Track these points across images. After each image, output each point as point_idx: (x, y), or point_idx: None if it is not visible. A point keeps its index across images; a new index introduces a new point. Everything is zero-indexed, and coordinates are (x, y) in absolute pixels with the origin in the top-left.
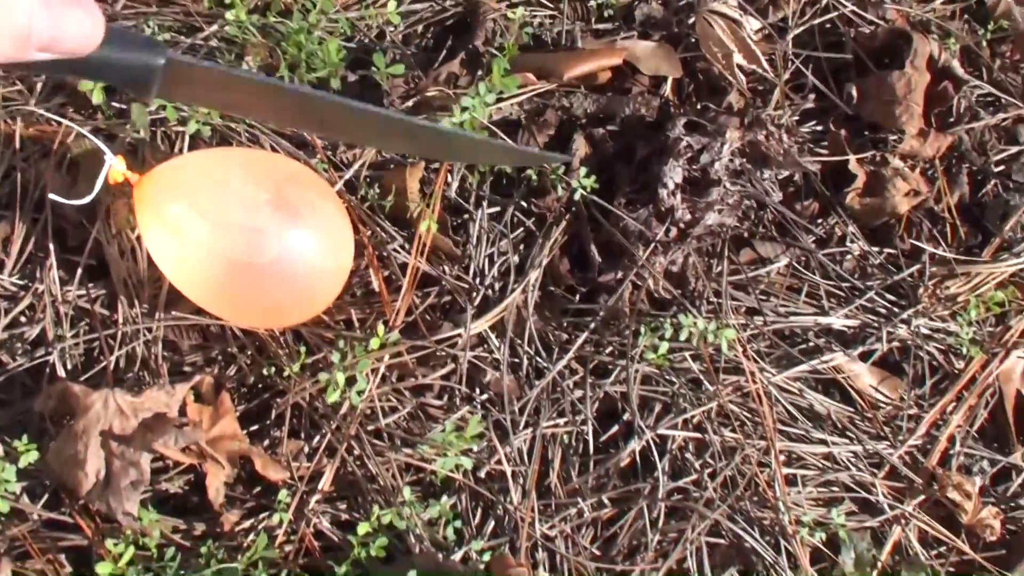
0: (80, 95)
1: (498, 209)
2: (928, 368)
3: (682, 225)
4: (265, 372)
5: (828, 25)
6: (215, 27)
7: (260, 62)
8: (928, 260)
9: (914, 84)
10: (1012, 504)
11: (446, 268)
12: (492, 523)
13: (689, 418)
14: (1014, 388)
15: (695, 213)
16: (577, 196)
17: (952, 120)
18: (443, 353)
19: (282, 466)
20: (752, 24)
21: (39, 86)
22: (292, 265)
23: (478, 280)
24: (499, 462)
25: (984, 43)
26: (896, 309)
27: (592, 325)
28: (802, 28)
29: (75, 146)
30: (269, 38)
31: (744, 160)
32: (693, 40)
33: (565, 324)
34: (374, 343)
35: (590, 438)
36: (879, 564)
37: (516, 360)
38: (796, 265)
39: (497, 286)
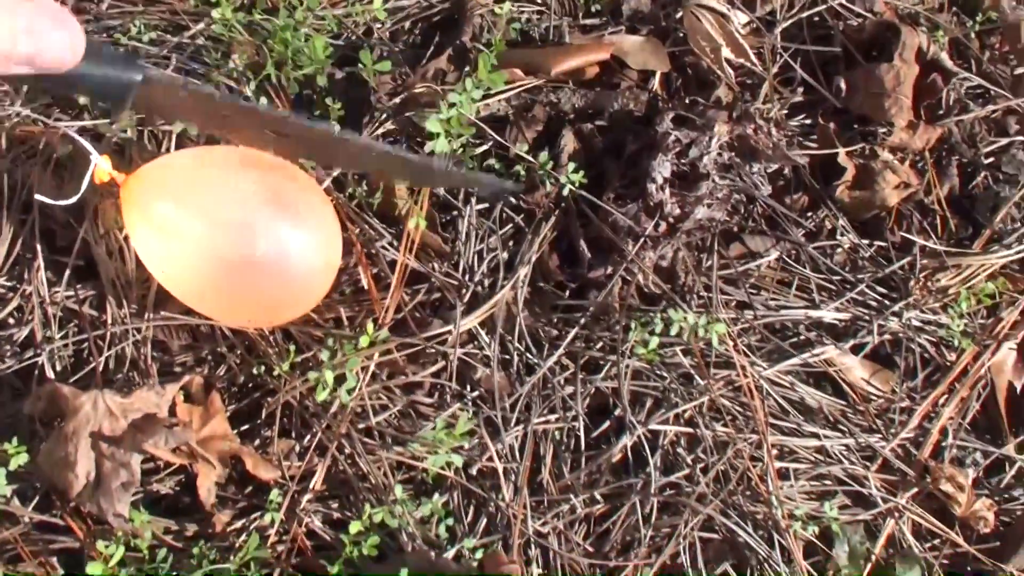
0: (66, 96)
1: (486, 205)
2: (920, 360)
3: (671, 220)
4: (255, 371)
5: (816, 18)
6: (201, 25)
7: (247, 60)
8: (919, 252)
9: (903, 77)
10: (1005, 496)
11: (435, 265)
12: (484, 520)
13: (680, 413)
14: (1006, 380)
15: (684, 208)
16: (566, 191)
17: (941, 112)
18: (433, 350)
19: (273, 465)
20: (740, 18)
21: (24, 87)
22: (280, 263)
23: (467, 277)
24: (490, 459)
25: (973, 35)
26: (887, 302)
27: (582, 321)
28: (790, 21)
29: (61, 147)
30: (255, 36)
31: (733, 154)
32: (681, 34)
33: (555, 320)
34: (364, 341)
35: (581, 434)
36: (873, 557)
37: (506, 356)
38: (786, 259)
39: (486, 282)
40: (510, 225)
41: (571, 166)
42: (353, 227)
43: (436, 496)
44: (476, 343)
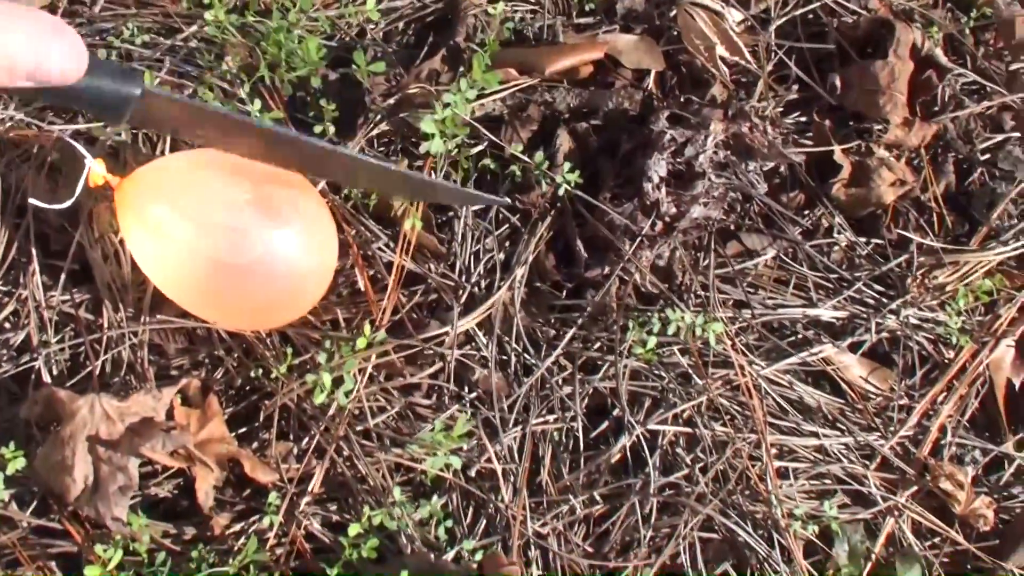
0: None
1: (482, 206)
2: (918, 358)
3: (668, 219)
4: (252, 374)
5: (810, 15)
6: (194, 27)
7: (240, 62)
8: (916, 250)
9: (898, 73)
10: (1005, 493)
11: (432, 266)
12: (483, 522)
13: (679, 412)
14: (1004, 377)
15: (680, 206)
16: (561, 191)
17: (937, 109)
18: (431, 352)
19: (271, 468)
20: (734, 16)
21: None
22: (275, 265)
23: (464, 278)
24: (489, 460)
25: (967, 31)
26: (885, 300)
27: (580, 321)
28: (784, 19)
29: (55, 150)
30: (249, 38)
31: (729, 152)
32: (675, 33)
33: (552, 320)
34: (361, 343)
35: (580, 434)
36: (873, 556)
37: (504, 357)
38: (783, 257)
39: (483, 283)
40: (506, 226)
41: (567, 166)
42: (349, 229)
43: (435, 498)
44: (473, 344)
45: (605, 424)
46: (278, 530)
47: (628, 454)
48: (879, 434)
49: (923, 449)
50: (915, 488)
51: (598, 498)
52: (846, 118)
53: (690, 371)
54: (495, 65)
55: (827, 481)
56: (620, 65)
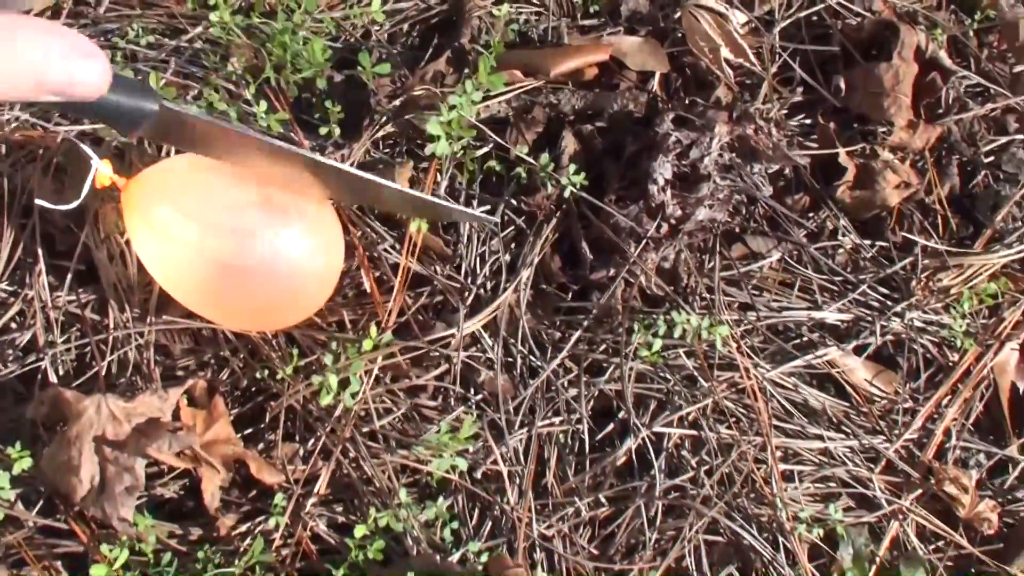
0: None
1: (488, 207)
2: (922, 361)
3: (673, 221)
4: (258, 375)
5: (815, 17)
6: (199, 29)
7: (245, 63)
8: (920, 252)
9: (902, 75)
10: (1009, 497)
11: (437, 268)
12: (489, 524)
13: (684, 415)
14: (1009, 380)
15: (686, 209)
16: (567, 193)
17: (941, 111)
18: (436, 353)
19: (277, 469)
20: (738, 18)
21: None
22: (280, 267)
23: (470, 279)
24: (495, 462)
25: (971, 33)
26: (889, 302)
27: (585, 323)
28: (788, 21)
29: (61, 151)
30: (254, 39)
31: (733, 155)
32: (679, 35)
33: (558, 322)
34: (367, 344)
35: (586, 437)
36: (877, 559)
37: (510, 359)
38: (788, 259)
39: (489, 285)
40: (511, 228)
41: (572, 168)
42: (355, 230)
43: (441, 500)
44: (479, 346)
45: (610, 426)
46: (284, 531)
47: (633, 456)
48: (884, 437)
49: (927, 452)
50: (919, 491)
51: (603, 500)
52: (850, 120)
53: (695, 374)
54: (500, 67)
55: (832, 484)
56: (625, 67)
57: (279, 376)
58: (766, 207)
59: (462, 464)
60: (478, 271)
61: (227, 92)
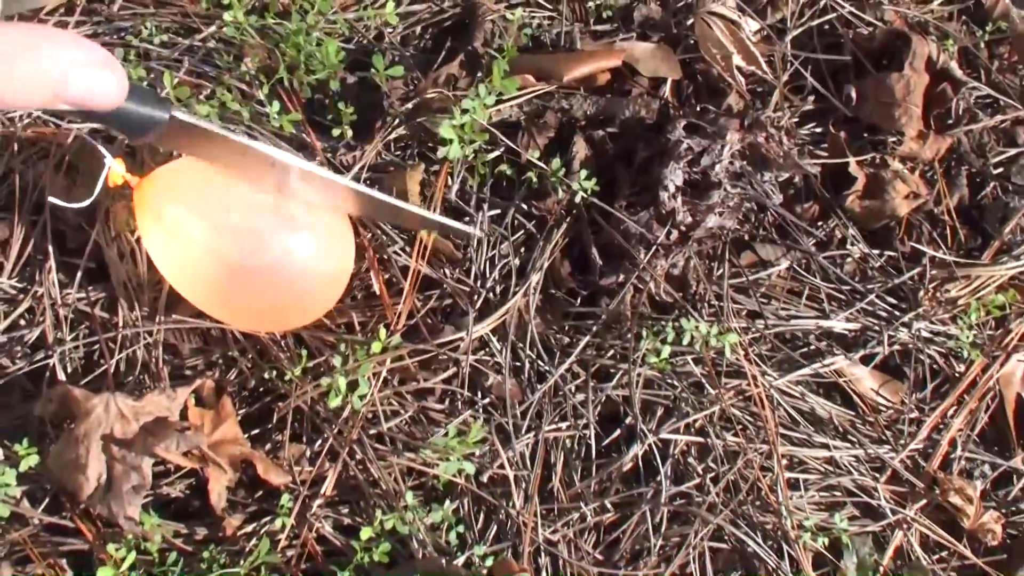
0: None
1: (499, 211)
2: (929, 371)
3: (683, 228)
4: (266, 376)
5: (826, 26)
6: (213, 28)
7: (259, 63)
8: (928, 263)
9: (913, 86)
10: (1013, 508)
11: (447, 271)
12: (495, 528)
13: (691, 422)
14: (1015, 392)
15: (696, 216)
16: (578, 199)
17: (951, 122)
18: (445, 357)
19: (284, 470)
20: (751, 25)
21: None
22: (290, 268)
23: (479, 283)
24: (501, 466)
25: (982, 45)
26: (897, 312)
27: (594, 328)
28: (800, 29)
29: (73, 148)
30: (267, 39)
31: (744, 162)
32: (692, 41)
33: (567, 327)
34: (376, 347)
35: (592, 442)
36: (881, 569)
37: (518, 364)
38: (797, 268)
39: (498, 289)
40: (522, 232)
41: (583, 173)
42: (365, 232)
43: (447, 503)
44: (487, 350)
45: (617, 432)
46: (290, 532)
47: (640, 463)
48: (889, 447)
49: (933, 463)
50: (924, 501)
51: (609, 506)
52: (861, 130)
53: (703, 381)
54: (513, 71)
55: (837, 493)
56: (637, 73)
57: (287, 377)
58: (776, 215)
59: (470, 468)
60: (488, 275)
61: (240, 92)
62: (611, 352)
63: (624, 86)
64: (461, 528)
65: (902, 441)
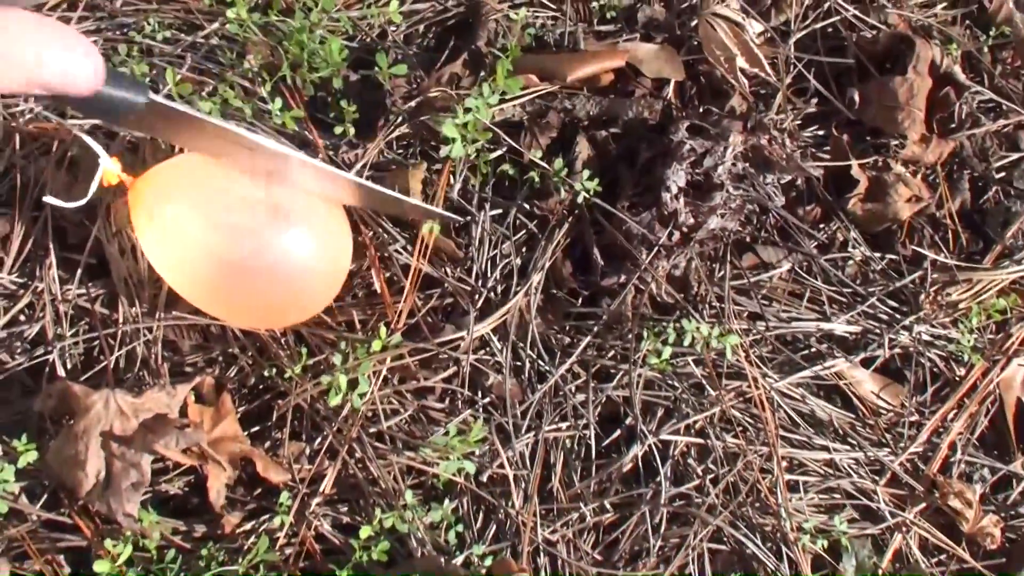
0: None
1: (500, 211)
2: (929, 375)
3: (685, 229)
4: (266, 373)
5: (830, 29)
6: (216, 25)
7: (262, 60)
8: (930, 266)
9: (916, 89)
10: (1012, 512)
11: (448, 270)
12: (494, 527)
13: (691, 423)
14: (1015, 396)
15: (698, 217)
16: (580, 199)
17: (953, 126)
18: (445, 356)
19: (283, 468)
20: (754, 27)
21: None
22: (287, 264)
23: (480, 282)
24: (501, 466)
25: (985, 49)
26: (898, 315)
27: (595, 329)
28: (804, 32)
29: (75, 144)
30: (271, 37)
31: (747, 164)
32: (696, 43)
33: (567, 327)
34: (376, 345)
35: (592, 442)
36: (880, 571)
37: (518, 363)
38: (798, 270)
39: (499, 288)
40: (524, 231)
41: (585, 173)
42: (366, 230)
43: (446, 502)
44: (488, 349)
45: (617, 433)
46: (288, 530)
47: (640, 463)
48: (889, 450)
49: (932, 466)
50: (923, 505)
51: (608, 506)
52: (864, 133)
53: (703, 382)
54: (516, 71)
55: (836, 495)
56: (640, 74)
57: (287, 375)
58: (778, 217)
59: (471, 467)
60: (489, 274)
61: (242, 89)
62: (612, 353)
63: (627, 87)
64: (460, 527)
65: (902, 444)
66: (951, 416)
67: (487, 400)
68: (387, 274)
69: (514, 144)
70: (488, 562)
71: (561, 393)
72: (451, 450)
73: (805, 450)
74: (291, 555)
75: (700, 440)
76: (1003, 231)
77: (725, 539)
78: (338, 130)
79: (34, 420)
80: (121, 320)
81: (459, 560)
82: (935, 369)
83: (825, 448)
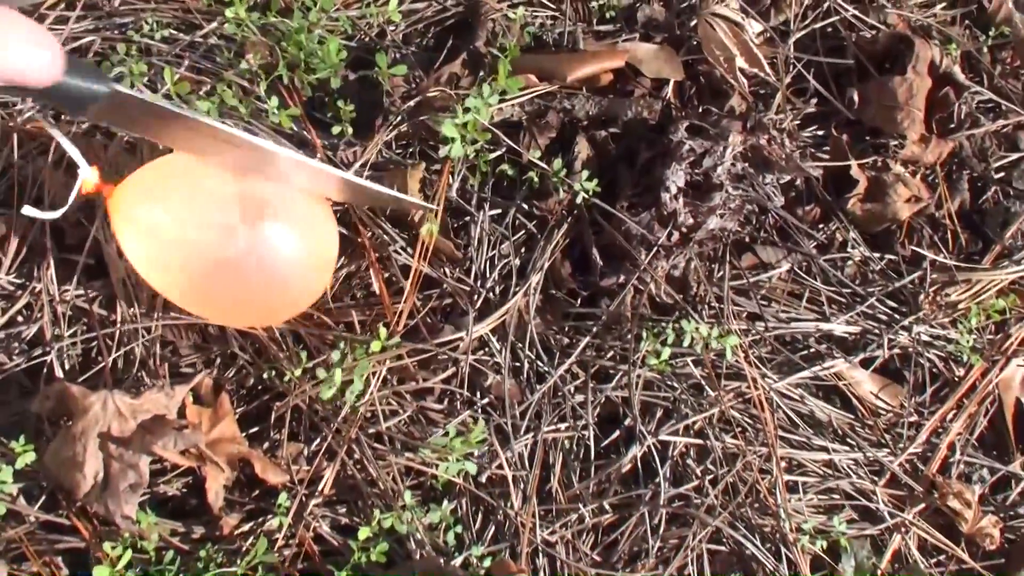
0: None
1: (500, 211)
2: (928, 375)
3: (684, 229)
4: (265, 375)
5: (829, 29)
6: (214, 24)
7: (260, 60)
8: (929, 267)
9: (915, 89)
10: (1011, 513)
11: (447, 270)
12: (493, 528)
13: (690, 424)
14: (1014, 396)
15: (697, 217)
16: (579, 199)
17: (953, 126)
18: (444, 356)
19: (282, 469)
20: (754, 27)
21: None
22: (270, 259)
23: (479, 283)
24: (500, 467)
25: (985, 49)
26: (897, 316)
27: (594, 329)
28: (803, 32)
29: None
30: (269, 36)
31: (746, 164)
32: (695, 43)
33: (566, 328)
34: (375, 346)
35: (591, 443)
36: (879, 572)
37: (517, 364)
38: (797, 270)
39: (498, 289)
40: (523, 232)
41: (585, 173)
42: (365, 231)
43: (445, 503)
44: (487, 350)
45: (616, 433)
46: (287, 531)
47: (639, 464)
48: (888, 450)
49: (931, 466)
50: (923, 505)
51: (607, 507)
52: (863, 133)
53: (703, 382)
54: (515, 71)
55: (835, 496)
56: (640, 74)
57: (286, 376)
58: (777, 217)
59: (471, 468)
60: (488, 275)
61: (240, 89)
62: (611, 353)
63: (627, 87)
64: (459, 528)
65: (901, 445)
66: (950, 416)
67: (486, 401)
68: (386, 275)
69: (513, 144)
70: (487, 563)
71: (560, 394)
72: (450, 451)
73: (804, 451)
74: (289, 556)
75: (699, 441)
76: (1002, 231)
77: (724, 540)
78: (336, 130)
79: (32, 421)
80: (119, 321)
81: (458, 561)
82: (934, 369)
83: (824, 449)
